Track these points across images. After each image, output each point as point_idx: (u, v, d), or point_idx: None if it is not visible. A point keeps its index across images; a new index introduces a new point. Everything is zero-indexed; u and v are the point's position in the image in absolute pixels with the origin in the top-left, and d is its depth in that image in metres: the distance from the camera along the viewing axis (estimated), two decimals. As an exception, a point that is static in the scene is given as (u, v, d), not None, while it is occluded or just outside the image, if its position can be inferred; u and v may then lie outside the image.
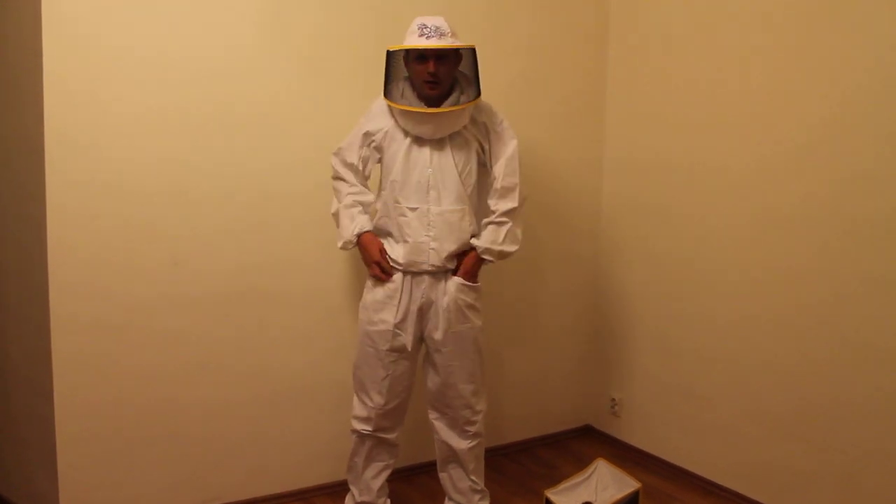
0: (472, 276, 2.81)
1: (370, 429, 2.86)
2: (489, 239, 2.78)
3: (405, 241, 2.74)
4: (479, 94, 2.71)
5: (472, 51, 2.70)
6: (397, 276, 2.77)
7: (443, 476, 3.01)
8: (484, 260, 2.80)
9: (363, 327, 2.83)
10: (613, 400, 3.80)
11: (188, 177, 2.85)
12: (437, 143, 2.74)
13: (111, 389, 2.79)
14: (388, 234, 2.79)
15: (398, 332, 2.78)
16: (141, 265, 2.80)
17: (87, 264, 2.71)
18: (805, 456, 2.95)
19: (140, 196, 2.78)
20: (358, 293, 3.16)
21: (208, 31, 2.83)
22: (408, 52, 2.67)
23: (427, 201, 2.73)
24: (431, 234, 2.73)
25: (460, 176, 2.75)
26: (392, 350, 2.80)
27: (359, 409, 2.88)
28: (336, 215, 2.84)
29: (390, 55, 2.70)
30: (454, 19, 2.90)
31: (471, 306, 2.82)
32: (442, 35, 2.61)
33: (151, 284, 2.82)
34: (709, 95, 3.26)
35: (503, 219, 2.78)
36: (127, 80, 2.71)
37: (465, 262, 2.79)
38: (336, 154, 2.85)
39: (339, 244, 2.82)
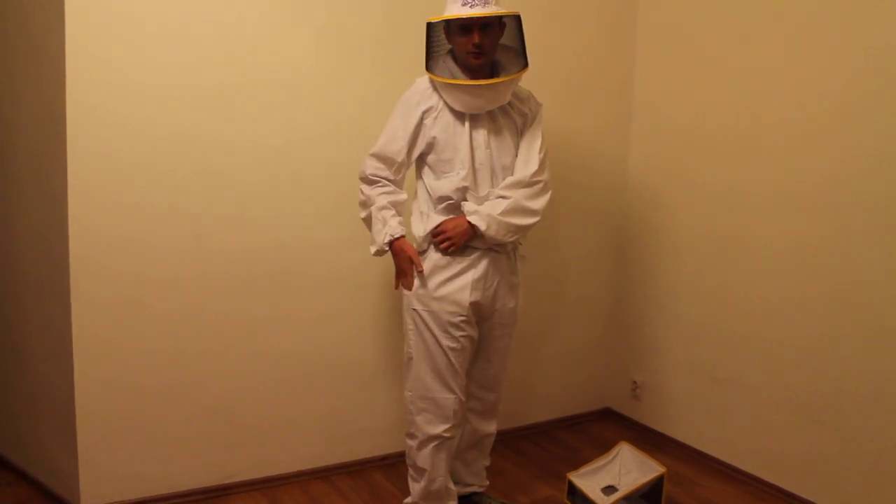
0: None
1: (457, 421, 2.67)
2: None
3: None
4: (526, 63, 2.55)
5: (518, 18, 2.54)
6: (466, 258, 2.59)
7: (456, 463, 2.92)
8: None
9: (429, 319, 2.58)
10: (635, 383, 3.76)
11: (210, 153, 2.80)
12: (491, 121, 2.59)
13: (132, 367, 2.76)
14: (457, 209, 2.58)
15: (467, 314, 2.60)
16: (163, 243, 2.75)
17: (109, 240, 2.67)
18: (831, 442, 2.91)
19: (162, 172, 2.73)
20: (382, 271, 3.12)
21: (231, 4, 2.76)
22: (449, 23, 2.50)
23: (496, 185, 2.59)
24: None
25: (515, 153, 2.64)
26: (465, 336, 2.61)
27: (442, 414, 2.62)
28: (367, 220, 2.64)
29: (430, 28, 2.54)
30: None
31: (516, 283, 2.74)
32: (486, 3, 2.44)
33: (173, 262, 2.78)
34: (735, 66, 3.18)
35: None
36: (148, 54, 2.65)
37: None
38: (374, 155, 2.60)
39: (372, 250, 2.62)
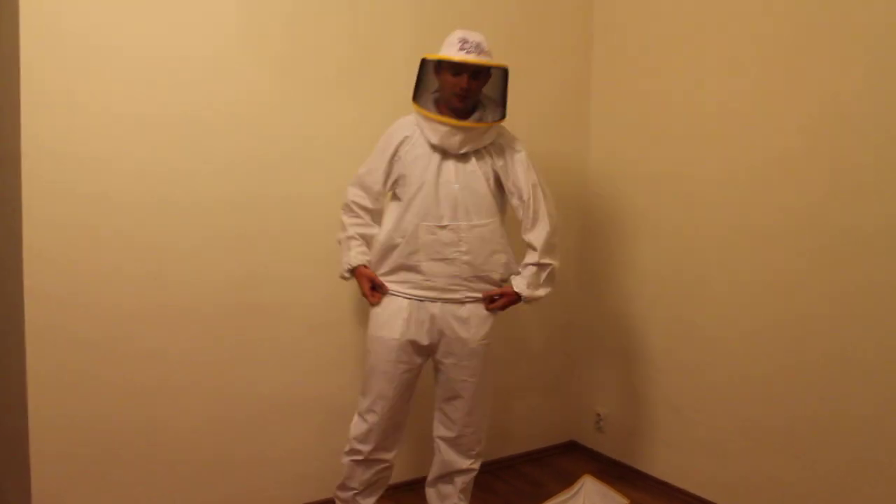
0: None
1: (369, 447, 2.76)
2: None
3: (434, 260, 2.67)
4: (504, 115, 2.72)
5: (506, 72, 2.69)
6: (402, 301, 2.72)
7: (430, 492, 2.96)
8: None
9: (372, 337, 2.76)
10: (598, 415, 3.77)
11: (169, 184, 2.77)
12: (462, 158, 2.69)
13: (89, 406, 2.69)
14: (410, 259, 2.69)
15: (406, 343, 2.71)
16: (122, 277, 2.71)
17: (65, 276, 2.61)
18: (794, 470, 2.94)
19: (120, 204, 2.69)
20: (344, 307, 3.13)
21: (188, 34, 2.76)
22: (440, 62, 2.64)
23: (457, 217, 2.67)
24: (463, 248, 2.67)
25: (489, 189, 2.71)
26: (399, 362, 2.72)
27: (358, 428, 2.79)
28: (340, 244, 2.83)
29: (424, 64, 2.68)
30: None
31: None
32: (481, 52, 2.61)
33: (132, 298, 2.73)
34: (692, 103, 3.27)
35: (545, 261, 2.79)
36: (106, 84, 2.62)
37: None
38: (356, 182, 2.79)
39: (339, 275, 2.82)
